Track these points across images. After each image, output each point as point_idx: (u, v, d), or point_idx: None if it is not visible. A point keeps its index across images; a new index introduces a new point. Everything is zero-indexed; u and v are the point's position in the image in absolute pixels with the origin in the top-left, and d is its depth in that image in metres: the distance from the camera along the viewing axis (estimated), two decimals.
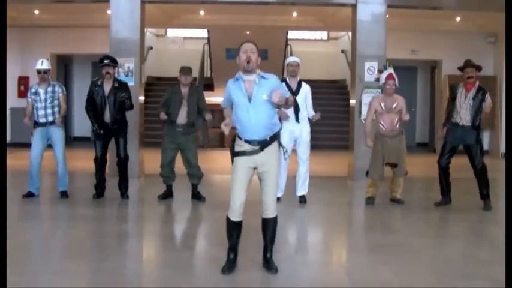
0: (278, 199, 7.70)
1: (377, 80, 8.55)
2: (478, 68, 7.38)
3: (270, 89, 4.49)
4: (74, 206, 7.48)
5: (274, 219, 4.72)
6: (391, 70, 7.69)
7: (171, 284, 4.53)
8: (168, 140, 7.71)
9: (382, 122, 7.59)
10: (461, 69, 7.46)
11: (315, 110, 7.72)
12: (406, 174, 7.83)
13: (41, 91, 7.65)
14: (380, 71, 8.02)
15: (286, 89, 4.71)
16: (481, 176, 7.46)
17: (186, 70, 7.72)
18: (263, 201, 4.68)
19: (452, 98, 7.50)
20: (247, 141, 4.59)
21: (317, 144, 15.76)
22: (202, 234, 6.56)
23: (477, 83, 7.40)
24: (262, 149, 4.58)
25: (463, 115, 7.35)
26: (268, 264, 4.75)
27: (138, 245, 5.96)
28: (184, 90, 7.69)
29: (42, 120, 7.67)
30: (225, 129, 4.56)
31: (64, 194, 7.84)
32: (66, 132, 16.70)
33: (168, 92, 7.80)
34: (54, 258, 5.23)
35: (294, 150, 7.71)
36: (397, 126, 7.60)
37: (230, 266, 4.71)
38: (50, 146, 7.87)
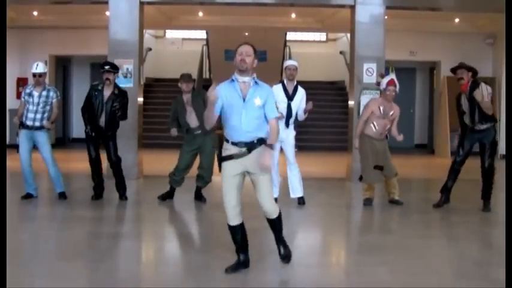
0: (275, 200, 7.73)
1: (378, 84, 8.57)
2: (470, 70, 7.29)
3: (264, 96, 4.54)
4: (72, 208, 7.47)
5: (278, 218, 4.75)
6: (393, 76, 7.66)
7: (170, 285, 4.52)
8: (187, 146, 7.79)
9: (375, 124, 7.59)
10: (453, 72, 7.40)
11: (306, 102, 7.66)
12: (396, 175, 7.84)
13: (35, 94, 7.59)
14: (381, 76, 8.01)
15: (275, 99, 4.81)
16: (488, 176, 7.41)
17: (186, 77, 7.70)
18: (262, 205, 4.65)
19: (459, 107, 7.44)
20: (234, 144, 4.57)
21: (315, 146, 15.85)
22: (202, 236, 6.56)
23: (470, 82, 7.29)
24: (249, 150, 4.56)
25: (474, 118, 7.28)
26: (283, 256, 4.88)
27: (136, 246, 5.95)
28: (187, 97, 7.68)
29: (29, 123, 7.59)
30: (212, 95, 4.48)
31: (62, 195, 7.80)
32: (64, 134, 16.86)
33: (173, 104, 7.84)
34: (52, 259, 5.22)
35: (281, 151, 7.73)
36: (386, 132, 7.68)
37: (234, 266, 4.71)
38: (35, 148, 7.80)
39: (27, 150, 7.64)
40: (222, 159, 4.63)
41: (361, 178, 7.82)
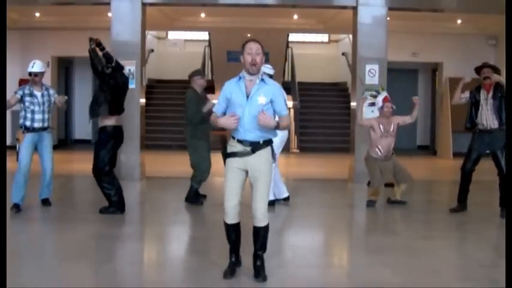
0: (287, 199, 7.72)
1: (372, 104, 8.64)
2: (496, 70, 7.36)
3: (269, 95, 4.46)
4: (74, 209, 7.47)
5: (265, 228, 4.58)
6: (385, 93, 7.89)
7: (172, 286, 4.52)
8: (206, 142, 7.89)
9: (379, 147, 7.66)
10: (478, 70, 7.39)
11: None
12: (412, 181, 7.87)
13: (38, 94, 7.24)
14: (374, 96, 8.21)
15: (286, 96, 4.80)
16: (507, 182, 7.11)
17: (204, 73, 7.86)
18: (252, 208, 4.53)
19: (474, 103, 7.34)
20: (239, 141, 4.51)
21: (318, 147, 15.86)
22: (204, 237, 6.54)
23: (494, 83, 7.31)
24: (253, 151, 4.49)
25: (489, 119, 7.19)
26: (257, 272, 4.61)
27: (139, 247, 5.95)
28: (202, 93, 7.85)
29: (38, 125, 7.19)
30: (230, 122, 4.44)
31: (46, 202, 7.48)
32: (66, 135, 16.85)
33: (195, 99, 7.71)
34: (54, 260, 5.23)
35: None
36: (392, 150, 7.75)
37: (231, 270, 4.67)
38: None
39: (30, 155, 7.22)
40: (226, 155, 4.56)
41: (369, 183, 7.91)
